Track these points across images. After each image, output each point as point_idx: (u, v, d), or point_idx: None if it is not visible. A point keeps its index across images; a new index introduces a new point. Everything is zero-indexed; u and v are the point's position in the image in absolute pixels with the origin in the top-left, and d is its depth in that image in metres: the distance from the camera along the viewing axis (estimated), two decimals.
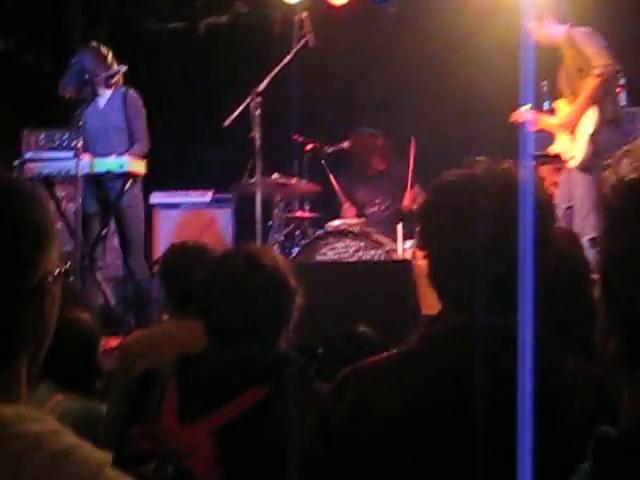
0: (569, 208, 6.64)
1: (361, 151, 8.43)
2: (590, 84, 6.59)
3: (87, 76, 7.32)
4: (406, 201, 8.20)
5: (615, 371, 1.16)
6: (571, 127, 6.77)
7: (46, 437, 1.19)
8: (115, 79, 7.40)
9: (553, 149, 7.00)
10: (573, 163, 6.72)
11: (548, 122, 7.02)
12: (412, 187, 8.31)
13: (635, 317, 1.09)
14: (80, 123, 6.90)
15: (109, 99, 7.47)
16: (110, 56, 7.42)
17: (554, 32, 6.90)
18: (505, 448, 1.39)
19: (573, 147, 6.72)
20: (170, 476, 2.45)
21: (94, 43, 7.51)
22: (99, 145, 7.33)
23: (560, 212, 6.69)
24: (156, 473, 2.46)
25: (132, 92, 7.52)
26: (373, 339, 4.20)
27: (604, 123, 6.65)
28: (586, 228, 6.31)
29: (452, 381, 1.94)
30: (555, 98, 7.10)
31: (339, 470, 2.00)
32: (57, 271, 1.35)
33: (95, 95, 7.39)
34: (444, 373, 1.97)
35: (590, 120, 6.67)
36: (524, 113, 6.92)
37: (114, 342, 6.28)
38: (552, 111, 7.04)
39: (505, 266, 1.87)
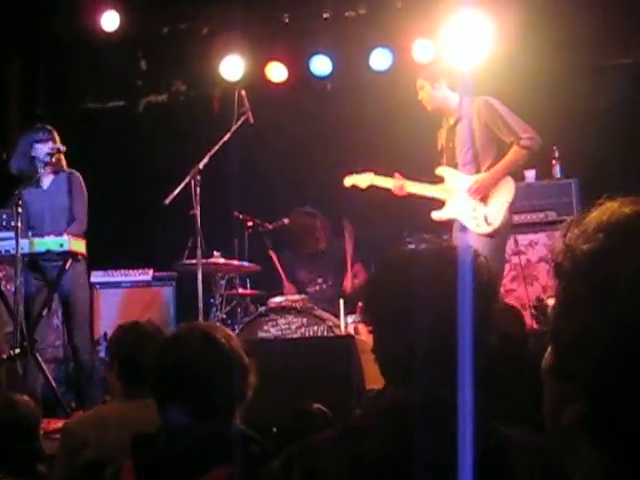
0: None
1: (301, 230, 8.49)
2: (515, 154, 6.64)
3: (37, 155, 7.33)
4: (347, 282, 8.27)
5: (568, 439, 1.16)
6: (487, 192, 6.73)
7: None
8: (56, 160, 7.40)
9: (444, 214, 6.93)
10: (486, 229, 6.68)
11: (429, 188, 6.99)
12: (352, 268, 8.39)
13: (596, 387, 1.11)
14: (20, 203, 6.88)
15: (53, 180, 7.48)
16: (55, 136, 7.43)
17: (447, 98, 7.00)
18: None
19: (483, 212, 6.71)
20: None
21: (39, 124, 7.51)
22: (42, 225, 7.32)
23: None
24: None
25: (76, 174, 7.55)
26: (326, 417, 4.18)
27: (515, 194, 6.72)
28: None
29: (398, 454, 1.93)
30: (438, 164, 7.10)
31: None
32: (2, 356, 1.36)
33: (38, 176, 7.40)
34: (389, 447, 1.97)
35: (508, 189, 6.70)
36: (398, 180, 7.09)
37: (56, 424, 6.21)
38: (439, 178, 7.00)
39: (446, 341, 1.90)
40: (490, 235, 6.67)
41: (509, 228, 6.71)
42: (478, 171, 6.85)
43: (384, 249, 2.15)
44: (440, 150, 7.16)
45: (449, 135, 7.05)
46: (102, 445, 3.70)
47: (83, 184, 7.57)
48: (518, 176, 7.96)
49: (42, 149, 7.35)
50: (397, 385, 2.08)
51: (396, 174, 7.16)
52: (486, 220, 6.69)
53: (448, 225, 7.00)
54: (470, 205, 6.79)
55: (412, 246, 2.22)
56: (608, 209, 1.18)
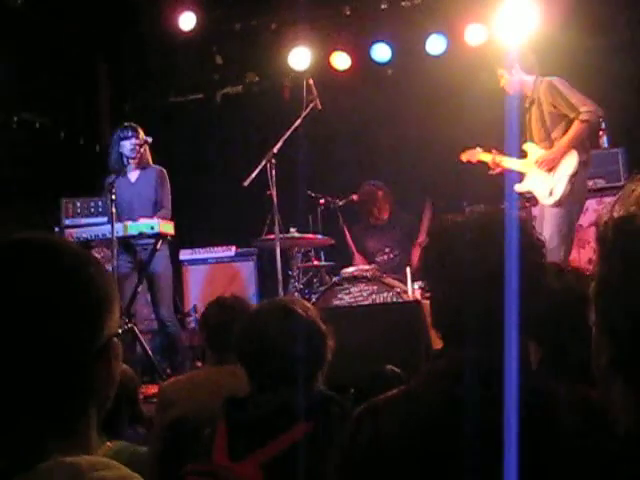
0: None
1: (367, 202, 8.49)
2: (576, 128, 6.61)
3: (123, 151, 7.46)
4: (415, 252, 8.27)
5: (608, 382, 1.20)
6: (552, 166, 6.74)
7: None
8: (141, 155, 7.51)
9: (522, 187, 6.95)
10: (550, 200, 6.71)
11: (514, 163, 7.01)
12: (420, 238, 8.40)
13: (624, 330, 1.15)
14: (113, 190, 7.00)
15: (140, 174, 7.61)
16: (140, 132, 7.53)
17: (524, 80, 6.98)
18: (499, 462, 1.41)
19: (550, 185, 6.72)
20: None
21: (128, 123, 7.62)
22: (132, 213, 7.44)
23: None
24: None
25: (162, 170, 7.68)
26: (399, 377, 4.19)
27: (580, 165, 6.68)
28: (552, 259, 6.34)
29: (457, 410, 1.92)
30: (524, 141, 7.08)
31: None
32: (120, 330, 1.40)
33: (126, 169, 7.55)
34: (450, 404, 1.96)
35: (571, 162, 6.67)
36: (474, 154, 7.21)
37: (153, 389, 6.32)
38: (523, 152, 7.01)
39: (497, 303, 1.90)
40: (555, 205, 6.69)
41: (576, 198, 6.63)
42: (552, 146, 6.85)
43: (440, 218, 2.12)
44: (524, 128, 7.11)
45: (528, 115, 7.03)
46: (189, 405, 3.78)
47: (167, 178, 7.68)
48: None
49: (126, 145, 7.47)
50: (454, 346, 2.08)
51: (493, 150, 7.16)
52: (551, 192, 6.71)
53: (501, 192, 6.95)
54: (541, 178, 6.80)
55: (461, 215, 2.19)
56: None
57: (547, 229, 6.61)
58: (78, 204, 8.78)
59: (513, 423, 1.35)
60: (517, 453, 1.24)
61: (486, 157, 7.24)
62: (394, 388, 2.18)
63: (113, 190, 7.04)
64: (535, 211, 7.26)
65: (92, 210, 8.65)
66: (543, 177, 6.77)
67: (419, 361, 5.01)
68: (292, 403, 2.74)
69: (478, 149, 7.25)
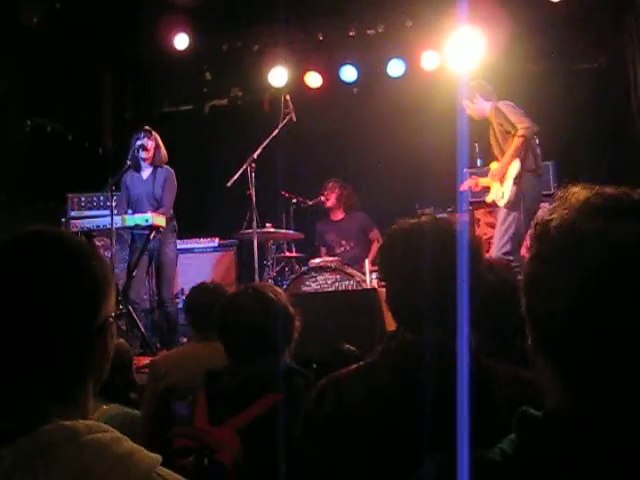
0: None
1: (329, 200, 8.56)
2: (515, 142, 6.69)
3: (142, 152, 7.44)
4: (370, 251, 8.34)
5: (534, 361, 1.22)
6: (500, 176, 6.83)
7: (111, 443, 1.23)
8: (151, 156, 7.50)
9: (489, 198, 7.06)
10: (502, 202, 6.79)
11: (485, 181, 7.13)
12: (371, 233, 8.46)
13: (544, 317, 1.17)
14: (113, 188, 7.01)
15: (151, 173, 7.57)
16: (152, 135, 7.52)
17: (483, 107, 7.05)
18: (448, 427, 1.43)
19: (502, 190, 6.81)
20: (206, 466, 2.45)
21: (147, 126, 7.60)
22: (139, 206, 7.44)
23: (496, 246, 6.82)
24: (195, 464, 2.46)
25: (170, 171, 7.63)
26: (355, 354, 4.21)
27: (524, 172, 6.74)
28: (500, 255, 6.44)
29: (405, 383, 1.97)
30: (489, 160, 7.19)
31: (324, 460, 2.03)
32: (115, 312, 1.40)
33: (139, 168, 7.54)
34: (399, 378, 2.00)
35: (514, 169, 6.75)
36: (468, 183, 7.26)
37: (144, 361, 6.30)
38: (488, 171, 7.13)
39: (444, 293, 1.93)
40: (506, 207, 6.78)
41: (526, 203, 6.69)
42: None
43: (396, 219, 2.17)
44: (489, 147, 7.28)
45: (489, 136, 7.14)
46: (178, 376, 3.79)
47: (174, 179, 7.63)
48: None
49: (136, 144, 7.45)
50: (405, 328, 2.11)
51: (473, 176, 7.32)
52: (502, 195, 6.82)
53: (450, 200, 7.07)
54: (497, 187, 6.92)
55: (415, 219, 2.23)
56: (571, 193, 1.21)
57: (498, 228, 6.73)
58: (82, 198, 8.77)
59: (465, 395, 1.36)
60: (468, 424, 1.25)
61: (469, 182, 7.33)
62: (351, 364, 2.20)
63: (113, 186, 7.04)
64: (477, 214, 7.34)
65: (94, 204, 8.64)
66: (498, 186, 6.86)
67: (374, 341, 5.02)
68: (263, 374, 2.76)
69: (474, 178, 7.32)
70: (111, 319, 1.38)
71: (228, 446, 2.53)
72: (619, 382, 1.11)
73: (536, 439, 1.14)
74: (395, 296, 2.17)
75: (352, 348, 4.27)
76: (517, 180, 6.70)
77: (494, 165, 7.08)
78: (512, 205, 6.71)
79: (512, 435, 1.19)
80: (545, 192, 7.38)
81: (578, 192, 1.21)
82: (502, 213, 6.83)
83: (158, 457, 1.27)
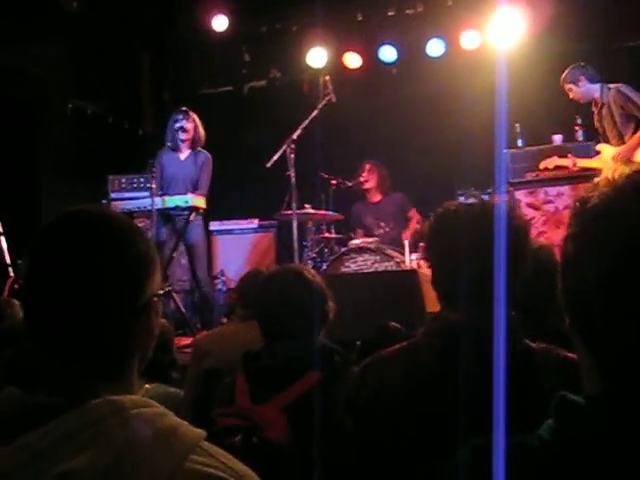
0: None
1: (368, 181, 8.53)
2: None
3: (182, 133, 7.48)
4: (409, 229, 8.31)
5: (574, 343, 1.21)
6: (627, 157, 6.78)
7: (156, 417, 1.25)
8: (190, 137, 7.55)
9: None
10: None
11: (589, 163, 7.12)
12: (409, 212, 8.43)
13: (577, 300, 1.16)
14: (154, 169, 7.06)
15: (189, 155, 7.63)
16: (190, 117, 7.56)
17: (590, 89, 7.09)
18: (486, 411, 1.43)
19: None
20: (255, 445, 2.46)
21: (184, 108, 7.64)
22: (174, 186, 7.50)
23: None
24: (243, 442, 2.47)
25: (208, 155, 7.68)
26: (401, 333, 4.20)
27: None
28: None
29: (449, 364, 1.96)
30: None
31: (364, 439, 2.05)
32: (160, 291, 1.41)
33: (178, 149, 7.59)
34: (442, 359, 2.01)
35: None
36: (563, 161, 7.27)
37: (185, 341, 6.36)
38: (597, 152, 7.13)
39: (487, 274, 1.92)
40: None
41: None
42: (623, 143, 6.94)
43: (439, 201, 2.18)
44: (596, 129, 7.26)
45: (599, 118, 7.13)
46: (220, 355, 3.81)
47: (211, 163, 7.67)
48: (547, 139, 7.91)
49: (175, 126, 7.49)
50: (449, 309, 2.12)
51: (569, 155, 7.29)
52: None
53: (489, 181, 7.00)
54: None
55: (460, 200, 2.23)
56: (615, 170, 1.18)
57: None
58: (123, 180, 8.82)
59: (501, 378, 1.35)
60: (505, 407, 1.24)
61: (564, 162, 7.29)
62: (397, 342, 2.21)
63: (153, 168, 7.08)
64: (518, 195, 7.28)
65: (135, 185, 8.70)
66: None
67: (414, 321, 5.02)
68: (300, 354, 2.77)
69: (555, 158, 7.31)
70: (156, 297, 1.40)
71: (275, 424, 2.54)
72: None
73: (574, 425, 1.13)
74: (440, 277, 2.19)
75: (398, 326, 4.26)
76: None
77: (605, 148, 7.05)
78: None
79: (550, 421, 1.17)
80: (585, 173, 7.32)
81: (620, 169, 1.18)
82: None
83: (203, 432, 1.28)
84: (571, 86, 7.11)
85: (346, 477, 2.12)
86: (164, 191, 7.44)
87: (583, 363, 1.20)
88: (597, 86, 7.05)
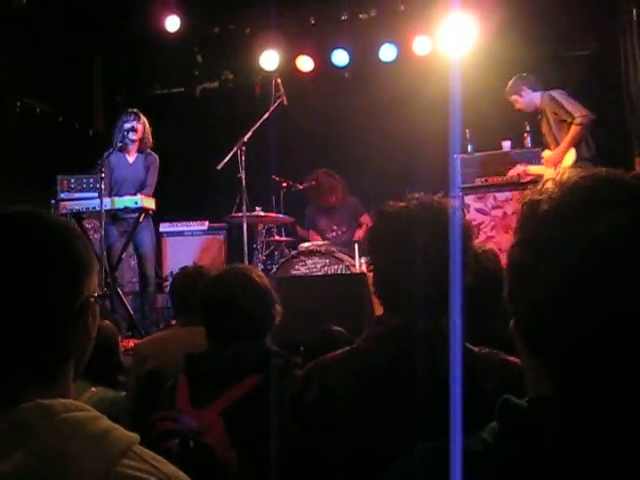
0: None
1: (321, 186, 8.51)
2: (572, 131, 6.87)
3: (132, 134, 7.40)
4: (359, 232, 8.32)
5: (517, 346, 1.20)
6: (556, 163, 6.96)
7: (87, 422, 1.22)
8: (137, 139, 7.49)
9: None
10: None
11: (537, 169, 7.21)
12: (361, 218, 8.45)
13: (526, 306, 1.15)
14: (103, 170, 6.99)
15: (137, 157, 7.60)
16: (139, 118, 7.50)
17: (533, 98, 7.24)
18: (433, 414, 1.42)
19: None
20: (192, 449, 2.44)
21: (132, 109, 7.57)
22: (123, 189, 7.43)
23: None
24: (180, 447, 2.44)
25: (155, 156, 7.66)
26: (345, 336, 4.19)
27: (580, 160, 6.85)
28: None
29: (392, 369, 1.97)
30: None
31: (308, 441, 2.04)
32: (97, 293, 1.39)
33: (126, 150, 7.53)
34: (385, 363, 1.99)
35: (570, 158, 6.92)
36: (516, 169, 7.37)
37: (133, 343, 6.28)
38: (540, 159, 7.28)
39: (433, 278, 1.91)
40: None
41: None
42: None
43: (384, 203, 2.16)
44: (542, 135, 7.42)
45: (541, 125, 7.31)
46: (161, 358, 3.78)
47: (158, 165, 7.65)
48: (497, 146, 7.97)
49: (125, 126, 7.42)
50: (393, 313, 2.11)
51: (522, 163, 7.40)
52: None
53: (441, 186, 7.01)
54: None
55: (404, 202, 2.21)
56: (562, 173, 1.19)
57: None
58: (72, 180, 8.70)
59: (457, 383, 1.35)
60: (460, 411, 1.24)
61: (517, 170, 7.42)
62: (340, 346, 2.19)
63: (102, 169, 7.00)
64: (467, 200, 7.34)
65: (84, 186, 8.59)
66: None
67: (363, 325, 5.01)
68: (243, 357, 2.75)
69: (523, 165, 7.40)
70: (93, 299, 1.37)
71: (213, 428, 2.52)
72: (603, 374, 1.09)
73: (518, 428, 1.13)
74: (383, 280, 2.16)
75: (341, 330, 4.25)
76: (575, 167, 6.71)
77: (547, 153, 7.20)
78: None
79: (494, 424, 1.17)
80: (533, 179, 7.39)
81: (567, 172, 1.18)
82: None
83: (135, 436, 1.26)
84: (515, 97, 7.28)
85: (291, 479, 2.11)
86: (114, 193, 7.37)
87: (527, 366, 1.19)
88: (538, 94, 7.23)
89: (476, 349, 2.06)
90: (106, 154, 7.30)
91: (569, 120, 6.92)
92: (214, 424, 2.53)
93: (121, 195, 7.27)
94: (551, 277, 1.10)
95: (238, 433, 2.53)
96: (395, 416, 1.90)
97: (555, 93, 7.07)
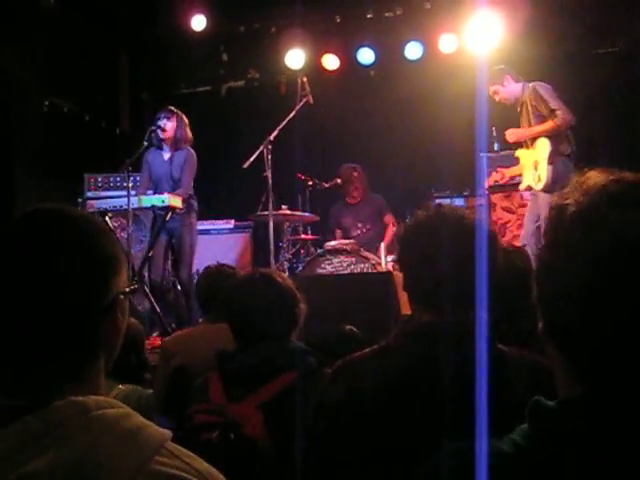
0: (538, 227, 6.57)
1: (345, 182, 8.49)
2: (547, 125, 6.61)
3: (160, 132, 7.41)
4: (387, 233, 8.29)
5: (546, 348, 1.21)
6: (518, 137, 6.80)
7: (120, 419, 1.22)
8: (171, 137, 7.47)
9: (523, 185, 6.92)
10: (540, 186, 6.61)
11: (513, 171, 7.06)
12: (385, 218, 8.42)
13: (554, 306, 1.16)
14: (139, 166, 7.01)
15: (173, 154, 7.52)
16: (175, 116, 7.50)
17: (515, 89, 6.95)
18: (464, 413, 1.42)
19: (537, 174, 6.65)
20: (233, 441, 2.46)
21: (171, 107, 7.57)
22: (159, 186, 7.43)
23: (530, 230, 6.71)
24: (221, 439, 2.46)
25: (191, 152, 7.58)
26: (357, 336, 4.22)
27: (560, 156, 6.61)
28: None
29: (422, 366, 1.97)
30: (506, 144, 7.14)
31: (334, 439, 2.04)
32: (126, 289, 1.39)
33: (162, 147, 7.52)
34: (415, 361, 2.00)
35: (543, 146, 6.63)
36: (494, 177, 7.22)
37: (159, 341, 6.31)
38: (517, 159, 7.04)
39: (461, 277, 1.93)
40: (544, 190, 6.58)
41: (555, 186, 6.55)
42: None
43: (415, 204, 2.24)
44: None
45: (520, 117, 7.01)
46: (188, 355, 3.79)
47: (195, 161, 7.57)
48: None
49: (155, 123, 7.41)
50: (422, 312, 2.12)
51: (499, 169, 7.22)
52: (539, 178, 6.64)
53: (466, 184, 7.00)
54: (531, 171, 6.76)
55: (437, 206, 2.25)
56: (589, 177, 1.19)
57: (542, 216, 6.53)
58: (99, 179, 8.78)
59: (484, 382, 1.35)
60: (487, 411, 1.24)
61: (495, 177, 7.27)
62: (353, 345, 2.21)
63: (130, 168, 7.02)
64: (494, 198, 7.27)
65: (111, 184, 8.65)
66: (532, 170, 6.73)
67: (389, 324, 5.01)
68: (275, 355, 2.77)
69: (500, 172, 7.25)
70: (122, 296, 1.38)
71: (251, 420, 2.54)
72: (632, 372, 1.09)
73: (549, 430, 1.13)
74: (412, 279, 2.19)
75: (354, 329, 4.24)
76: (552, 165, 6.57)
77: (521, 152, 6.98)
78: (550, 188, 6.51)
79: (524, 425, 1.17)
80: None
81: (594, 177, 1.19)
82: (542, 198, 6.61)
83: (168, 432, 1.26)
84: (497, 87, 6.98)
85: (319, 478, 2.11)
86: (153, 191, 7.38)
87: (556, 367, 1.20)
88: (520, 85, 6.94)
89: (507, 349, 2.06)
90: (138, 152, 7.29)
91: (549, 117, 6.64)
92: (252, 417, 2.55)
93: (161, 193, 7.26)
94: (578, 274, 1.11)
95: (275, 428, 2.55)
96: (423, 414, 1.91)
97: (538, 85, 6.80)
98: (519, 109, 6.97)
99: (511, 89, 6.97)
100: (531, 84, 6.86)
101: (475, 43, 8.78)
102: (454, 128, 7.36)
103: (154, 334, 7.08)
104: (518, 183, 7.09)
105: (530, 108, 6.80)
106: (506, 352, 2.04)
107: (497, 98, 7.00)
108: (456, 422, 1.60)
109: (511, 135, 6.86)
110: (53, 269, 1.28)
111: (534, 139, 6.75)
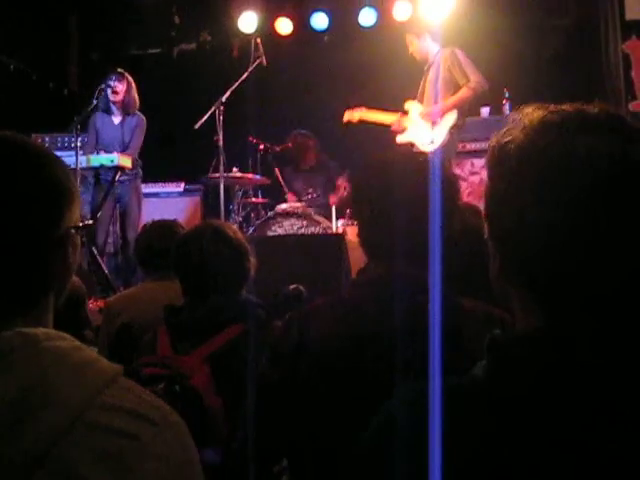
0: None
1: (297, 149, 8.44)
2: (462, 93, 6.55)
3: (109, 92, 7.30)
4: (334, 196, 8.23)
5: (501, 289, 1.20)
6: (436, 119, 6.69)
7: (72, 350, 1.18)
8: (119, 100, 7.38)
9: (404, 138, 6.90)
10: (431, 147, 6.57)
11: (392, 117, 7.07)
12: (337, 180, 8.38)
13: (515, 240, 1.14)
14: (86, 127, 6.89)
15: (123, 118, 7.48)
16: (123, 78, 7.38)
17: (429, 47, 6.94)
18: (416, 358, 1.40)
19: (431, 136, 6.63)
20: (178, 392, 2.44)
21: (120, 69, 7.45)
22: (108, 150, 7.30)
23: None
24: (166, 390, 2.43)
25: (141, 117, 7.55)
26: (302, 295, 4.18)
27: (457, 125, 6.63)
28: None
29: (374, 316, 1.95)
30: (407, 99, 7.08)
31: (287, 389, 2.02)
32: (79, 224, 1.34)
33: (110, 111, 7.44)
34: (368, 311, 1.98)
35: (451, 117, 6.60)
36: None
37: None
38: (405, 112, 6.99)
39: (415, 227, 1.88)
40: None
41: (450, 151, 6.59)
42: None
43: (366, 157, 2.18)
44: (420, 90, 7.09)
45: (425, 77, 6.97)
46: (132, 313, 3.73)
47: (144, 126, 7.56)
48: (475, 111, 7.92)
49: (105, 87, 7.30)
50: (376, 263, 2.08)
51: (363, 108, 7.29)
52: (432, 141, 6.63)
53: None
54: (423, 131, 6.74)
55: (388, 153, 2.20)
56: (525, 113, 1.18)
57: None
58: (47, 139, 8.60)
59: (437, 327, 1.33)
60: (440, 354, 1.22)
61: (377, 116, 7.26)
62: (293, 305, 2.19)
63: (79, 127, 6.90)
64: None
65: (59, 144, 8.49)
66: (425, 130, 6.71)
67: (339, 284, 5.01)
68: (223, 308, 2.74)
69: (361, 109, 7.32)
70: (74, 230, 1.32)
71: (198, 372, 2.51)
72: (596, 302, 1.08)
73: (507, 359, 1.11)
74: (366, 229, 2.14)
75: (300, 288, 4.23)
76: (453, 129, 6.57)
77: (412, 105, 6.93)
78: (435, 153, 6.52)
79: (482, 362, 1.15)
80: None
81: (531, 112, 1.17)
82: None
83: (120, 367, 1.22)
84: (413, 37, 6.98)
85: (270, 428, 2.08)
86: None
87: (515, 307, 1.19)
88: (435, 46, 6.90)
89: (461, 300, 2.04)
90: (86, 113, 7.17)
91: (463, 82, 6.57)
92: (199, 369, 2.53)
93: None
94: (538, 200, 1.10)
95: (222, 380, 2.52)
96: (377, 361, 1.89)
97: (458, 51, 6.72)
98: (425, 67, 6.95)
99: (425, 45, 6.95)
100: (448, 48, 6.78)
101: (429, 11, 8.73)
102: (407, 96, 7.32)
103: (102, 295, 6.98)
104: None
105: (442, 70, 6.69)
106: (457, 300, 2.02)
107: (410, 49, 6.96)
108: (409, 368, 1.58)
109: (426, 114, 6.81)
110: (3, 196, 1.22)
111: (436, 102, 6.75)
